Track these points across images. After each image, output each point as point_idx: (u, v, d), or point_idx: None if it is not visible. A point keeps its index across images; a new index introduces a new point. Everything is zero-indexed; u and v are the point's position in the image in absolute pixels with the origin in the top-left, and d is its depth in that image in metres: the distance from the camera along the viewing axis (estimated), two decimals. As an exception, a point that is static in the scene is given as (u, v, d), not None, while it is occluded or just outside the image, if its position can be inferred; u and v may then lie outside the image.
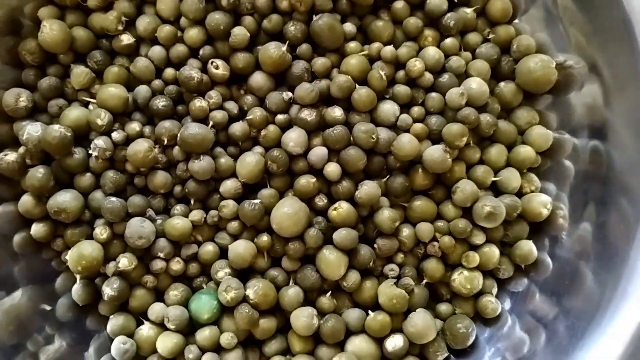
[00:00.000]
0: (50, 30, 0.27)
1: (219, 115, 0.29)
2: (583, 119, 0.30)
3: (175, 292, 0.29)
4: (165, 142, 0.28)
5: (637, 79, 0.26)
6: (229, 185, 0.29)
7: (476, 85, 0.29)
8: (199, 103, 0.28)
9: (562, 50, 0.30)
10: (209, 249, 0.29)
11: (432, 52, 0.30)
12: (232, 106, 0.30)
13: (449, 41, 0.31)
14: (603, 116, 0.28)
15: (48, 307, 0.28)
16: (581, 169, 0.30)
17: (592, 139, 0.29)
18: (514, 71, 0.31)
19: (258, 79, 0.29)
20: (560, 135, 0.30)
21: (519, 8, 0.31)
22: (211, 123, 0.29)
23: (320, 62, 0.29)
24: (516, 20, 0.32)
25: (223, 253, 0.29)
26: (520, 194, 0.30)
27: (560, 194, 0.30)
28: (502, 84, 0.31)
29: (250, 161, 0.28)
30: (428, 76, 0.30)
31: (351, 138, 0.29)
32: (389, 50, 0.29)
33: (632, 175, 0.26)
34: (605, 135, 0.28)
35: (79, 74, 0.29)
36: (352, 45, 0.30)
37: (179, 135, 0.28)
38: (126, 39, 0.29)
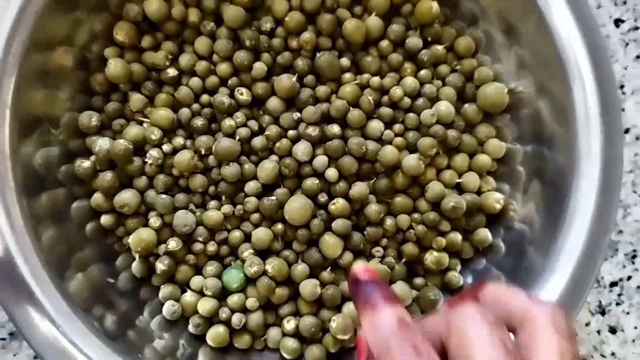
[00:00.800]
0: (115, 66, 0.31)
1: (243, 131, 0.33)
2: (530, 132, 0.33)
3: (211, 267, 0.33)
4: (203, 152, 0.32)
5: (570, 101, 0.30)
6: (251, 186, 0.32)
7: (444, 107, 0.33)
8: (228, 122, 0.32)
9: (514, 78, 0.34)
10: (236, 234, 0.33)
11: (410, 81, 0.33)
12: (253, 124, 0.33)
13: (423, 72, 0.34)
14: (547, 129, 0.32)
15: (112, 280, 0.32)
16: (530, 172, 0.33)
17: (537, 147, 0.33)
18: (475, 95, 0.34)
19: (274, 102, 0.33)
20: (513, 145, 0.34)
21: (481, 45, 0.35)
22: (237, 137, 0.32)
23: (322, 90, 0.33)
24: (478, 54, 0.35)
25: (247, 238, 0.33)
26: (479, 192, 0.34)
27: (513, 192, 0.34)
28: (466, 105, 0.34)
29: (268, 167, 0.32)
30: (407, 100, 0.33)
31: (346, 149, 0.32)
32: (376, 80, 0.33)
33: (567, 175, 0.30)
34: (549, 144, 0.32)
35: (136, 99, 0.33)
36: (347, 75, 0.33)
37: (213, 147, 0.32)
38: (171, 72, 0.33)
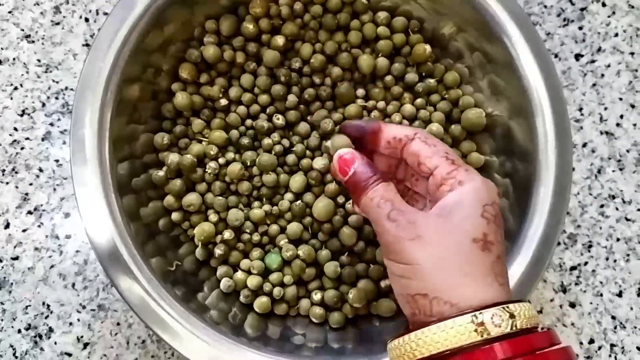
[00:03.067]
0: (181, 98, 0.37)
1: (278, 148, 0.37)
2: (503, 147, 0.38)
3: (256, 252, 0.37)
4: (248, 164, 0.37)
5: (533, 124, 0.35)
6: (287, 196, 0.37)
7: (436, 127, 0.38)
8: (267, 141, 0.37)
9: (491, 104, 0.38)
10: (274, 227, 0.38)
11: (409, 108, 0.38)
12: (286, 143, 0.38)
13: (419, 100, 0.39)
14: (516, 145, 0.36)
15: (179, 263, 0.37)
16: (503, 178, 0.38)
17: (509, 159, 0.37)
18: (460, 118, 0.39)
19: (302, 126, 0.38)
20: (490, 157, 0.39)
21: (464, 78, 0.39)
22: (274, 152, 0.37)
23: (336, 115, 0.38)
24: (462, 85, 0.39)
25: (282, 230, 0.38)
26: None
27: None
28: (452, 126, 0.39)
29: (298, 180, 0.37)
30: (405, 122, 0.38)
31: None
32: (381, 105, 0.38)
33: (530, 181, 0.35)
34: (517, 156, 0.36)
35: (197, 123, 0.38)
36: (359, 101, 0.38)
37: (256, 160, 0.37)
38: (223, 101, 0.38)
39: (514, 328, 0.23)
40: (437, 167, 0.27)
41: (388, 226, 0.26)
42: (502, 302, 0.24)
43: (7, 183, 0.44)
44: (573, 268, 0.44)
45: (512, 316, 0.23)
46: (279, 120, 0.38)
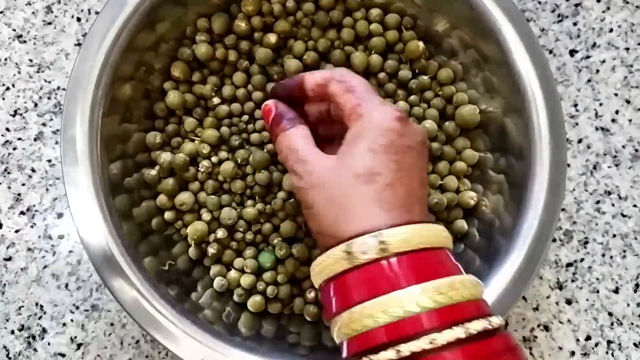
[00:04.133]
0: (173, 96, 0.37)
1: (270, 146, 0.38)
2: (498, 143, 0.38)
3: (249, 251, 0.37)
4: (239, 161, 0.37)
5: (527, 120, 0.35)
6: (279, 195, 0.37)
7: (429, 124, 0.38)
8: (257, 136, 0.38)
9: (485, 101, 0.38)
10: (267, 226, 0.37)
11: (402, 105, 0.38)
12: None
13: (412, 97, 0.39)
14: (510, 141, 0.36)
15: (173, 262, 0.37)
16: (497, 175, 0.38)
17: (503, 156, 0.37)
18: (454, 115, 0.39)
19: None
20: (485, 154, 0.39)
21: (458, 74, 0.39)
22: (265, 150, 0.37)
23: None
24: (456, 82, 0.39)
25: (275, 228, 0.38)
26: (457, 191, 0.38)
27: (485, 191, 0.38)
28: (446, 123, 0.39)
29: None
30: None
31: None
32: None
33: (525, 177, 0.35)
34: (512, 153, 0.36)
35: (189, 122, 0.38)
36: None
37: (249, 158, 0.37)
38: (216, 100, 0.38)
39: (383, 253, 0.24)
40: (345, 104, 0.28)
41: (292, 179, 0.29)
42: (379, 229, 0.25)
43: (0, 183, 0.44)
44: (569, 265, 0.45)
45: (382, 242, 0.24)
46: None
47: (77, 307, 0.43)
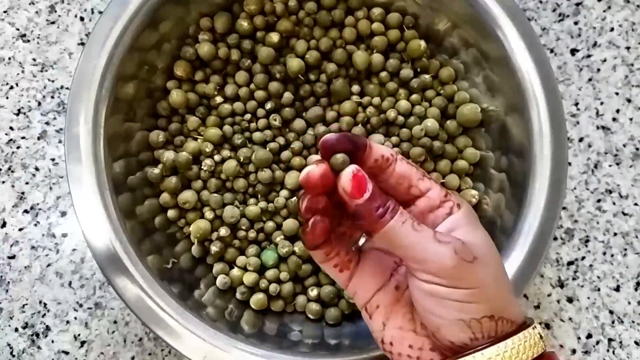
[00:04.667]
0: (176, 95, 0.37)
1: (273, 145, 0.38)
2: (499, 142, 0.38)
3: (252, 249, 0.37)
4: (241, 159, 0.37)
5: (528, 119, 0.35)
6: (282, 193, 0.37)
7: (431, 123, 0.38)
8: (259, 135, 0.37)
9: (486, 99, 0.38)
10: (270, 224, 0.38)
11: (404, 103, 0.38)
12: (282, 140, 0.38)
13: (414, 96, 0.39)
14: (511, 140, 0.36)
15: (176, 260, 0.37)
16: (498, 173, 0.38)
17: (504, 154, 0.37)
18: (455, 113, 0.39)
19: (297, 122, 0.38)
20: (486, 152, 0.39)
21: (459, 73, 0.39)
22: (268, 148, 0.37)
23: (331, 113, 0.38)
24: (457, 81, 0.40)
25: (278, 227, 0.38)
26: (459, 189, 0.38)
27: (486, 189, 0.38)
28: (448, 121, 0.39)
29: (294, 175, 0.37)
30: (401, 118, 0.38)
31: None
32: (376, 101, 0.38)
33: (526, 175, 0.35)
34: (513, 151, 0.36)
35: (192, 121, 0.38)
36: (354, 97, 0.38)
37: (252, 157, 0.37)
38: (219, 99, 0.38)
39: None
40: (429, 190, 0.27)
41: (443, 251, 0.24)
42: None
43: (3, 182, 0.44)
44: (570, 263, 0.45)
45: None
46: (275, 121, 0.39)
47: (81, 305, 0.43)
